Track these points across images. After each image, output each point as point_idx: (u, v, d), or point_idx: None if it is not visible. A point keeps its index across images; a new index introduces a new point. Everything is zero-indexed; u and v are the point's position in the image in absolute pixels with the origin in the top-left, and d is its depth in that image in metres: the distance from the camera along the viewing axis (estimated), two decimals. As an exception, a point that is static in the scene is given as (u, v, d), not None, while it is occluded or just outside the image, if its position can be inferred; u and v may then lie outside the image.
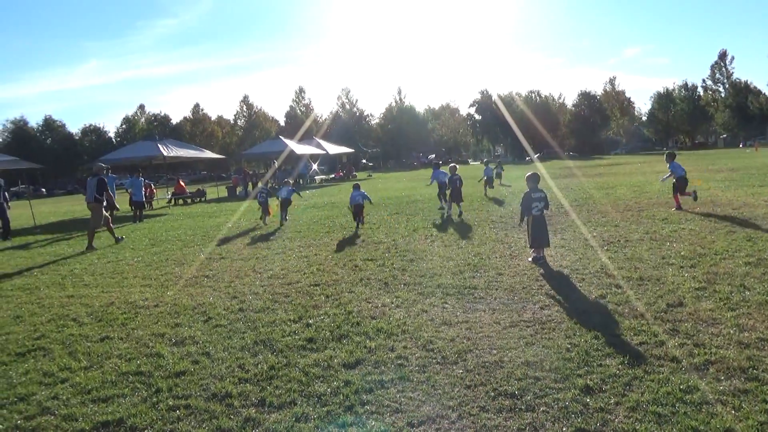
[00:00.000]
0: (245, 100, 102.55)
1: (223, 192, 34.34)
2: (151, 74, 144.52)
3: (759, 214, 10.90)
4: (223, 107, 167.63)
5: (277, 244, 11.20)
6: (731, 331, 4.76)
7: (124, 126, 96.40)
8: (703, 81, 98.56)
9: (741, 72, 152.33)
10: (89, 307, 7.16)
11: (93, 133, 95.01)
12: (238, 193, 32.69)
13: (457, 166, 15.82)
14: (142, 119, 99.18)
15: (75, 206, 32.48)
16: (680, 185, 12.51)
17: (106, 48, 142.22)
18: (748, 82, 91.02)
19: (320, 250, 10.14)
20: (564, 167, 38.74)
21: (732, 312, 5.24)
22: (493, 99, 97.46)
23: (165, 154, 26.06)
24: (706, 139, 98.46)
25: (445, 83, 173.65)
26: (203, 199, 29.93)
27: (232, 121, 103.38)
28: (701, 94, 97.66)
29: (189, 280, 8.32)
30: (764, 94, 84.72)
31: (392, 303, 6.35)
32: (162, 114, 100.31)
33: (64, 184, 73.82)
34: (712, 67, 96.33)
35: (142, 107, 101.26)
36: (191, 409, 4.03)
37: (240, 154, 55.44)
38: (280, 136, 43.49)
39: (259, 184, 21.88)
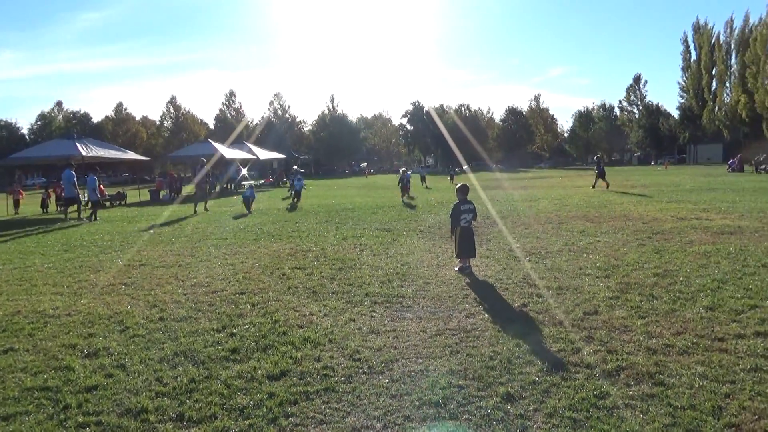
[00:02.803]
0: (172, 101, 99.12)
1: (145, 195, 32.92)
2: (72, 69, 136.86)
3: (667, 228, 11.66)
4: (148, 108, 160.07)
5: (201, 252, 10.84)
6: (641, 338, 5.04)
7: (39, 123, 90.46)
8: (620, 102, 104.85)
9: (653, 95, 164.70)
10: (-9, 316, 6.62)
11: (4, 129, 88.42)
12: (162, 197, 31.43)
13: (406, 169, 23.32)
14: (60, 116, 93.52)
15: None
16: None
17: (23, 39, 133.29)
18: (660, 105, 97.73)
19: (247, 258, 9.92)
20: (492, 179, 39.96)
21: (642, 320, 5.56)
22: (424, 110, 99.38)
23: (84, 153, 24.61)
24: (622, 156, 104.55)
25: (378, 93, 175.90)
26: (123, 202, 28.57)
27: (157, 123, 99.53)
28: (618, 114, 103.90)
29: (105, 288, 7.88)
30: (673, 116, 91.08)
31: (320, 312, 6.29)
32: (82, 112, 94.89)
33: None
34: (628, 90, 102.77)
35: (59, 104, 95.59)
36: (103, 426, 3.81)
37: (166, 156, 53.43)
38: (209, 140, 42.33)
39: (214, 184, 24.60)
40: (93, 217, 19.13)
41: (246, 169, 34.63)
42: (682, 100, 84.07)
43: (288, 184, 29.12)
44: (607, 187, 24.87)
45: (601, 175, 25.44)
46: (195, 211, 20.05)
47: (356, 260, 9.33)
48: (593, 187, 25.51)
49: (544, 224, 13.12)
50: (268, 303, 6.74)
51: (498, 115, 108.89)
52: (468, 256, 8.21)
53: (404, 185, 24.26)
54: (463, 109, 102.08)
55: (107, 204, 27.35)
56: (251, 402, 4.07)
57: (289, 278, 8.10)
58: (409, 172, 26.28)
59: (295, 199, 22.57)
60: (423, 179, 35.95)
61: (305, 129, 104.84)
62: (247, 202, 19.91)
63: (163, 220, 17.58)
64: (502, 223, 13.52)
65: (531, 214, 15.34)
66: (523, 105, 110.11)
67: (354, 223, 14.86)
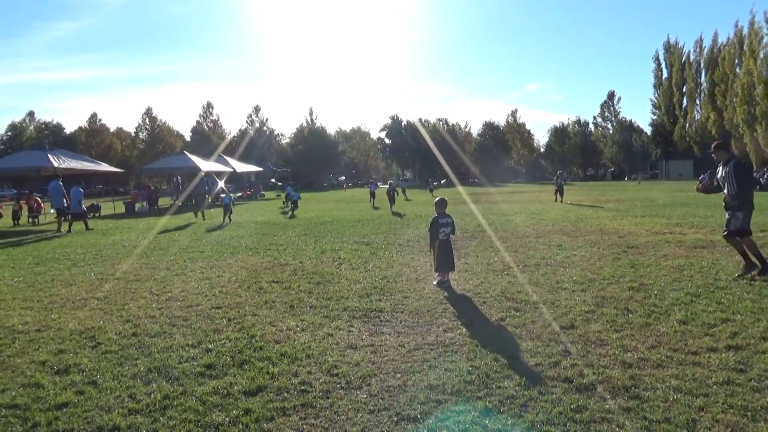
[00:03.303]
0: (148, 113, 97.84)
1: (120, 208, 32.39)
2: (45, 79, 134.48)
3: (641, 242, 11.87)
4: (123, 119, 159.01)
5: (177, 265, 10.70)
6: (617, 352, 5.10)
7: (9, 133, 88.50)
8: (594, 118, 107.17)
9: (627, 112, 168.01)
10: (-44, 332, 6.42)
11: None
12: (137, 209, 30.97)
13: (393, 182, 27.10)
14: (31, 127, 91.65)
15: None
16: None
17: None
18: (633, 121, 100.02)
19: (223, 272, 9.82)
20: (470, 194, 40.27)
21: (617, 333, 5.63)
22: (403, 124, 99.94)
23: (55, 165, 24.14)
24: (596, 171, 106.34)
25: (357, 106, 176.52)
26: (97, 214, 28.05)
27: (133, 134, 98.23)
28: (592, 129, 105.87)
29: (77, 303, 7.71)
30: (646, 132, 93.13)
31: (297, 326, 6.24)
32: (54, 122, 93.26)
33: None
34: (602, 106, 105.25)
35: (31, 114, 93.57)
36: (72, 444, 3.70)
37: (141, 168, 52.76)
38: (185, 152, 41.93)
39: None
40: (69, 228, 18.97)
41: (223, 181, 34.41)
42: (654, 117, 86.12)
43: (284, 196, 31.78)
44: (554, 201, 28.80)
45: (559, 189, 29.13)
46: (203, 218, 22.85)
47: (335, 274, 9.30)
48: (561, 201, 28.24)
49: (521, 238, 13.27)
50: (245, 318, 6.67)
51: (476, 129, 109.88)
52: (447, 269, 8.24)
53: (391, 196, 26.71)
54: (441, 123, 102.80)
55: (91, 215, 26.86)
56: (227, 419, 4.00)
57: (266, 292, 8.04)
58: (395, 184, 28.95)
59: (293, 209, 25.06)
60: (403, 191, 39.32)
61: (283, 142, 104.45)
62: (227, 209, 21.18)
63: (137, 234, 17.30)
64: (479, 238, 13.63)
65: (509, 228, 15.50)
66: (500, 120, 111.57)
67: (333, 236, 14.84)
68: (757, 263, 7.97)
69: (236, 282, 8.85)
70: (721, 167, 8.34)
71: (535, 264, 9.69)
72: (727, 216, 8.24)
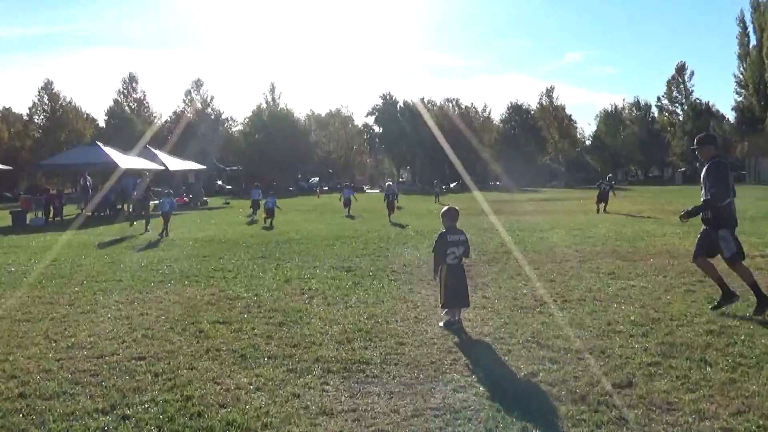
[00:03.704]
0: (47, 88, 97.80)
1: (5, 219, 32.13)
2: None
3: (722, 268, 11.92)
4: (11, 96, 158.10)
5: (84, 300, 10.61)
6: (690, 420, 5.08)
7: None
8: (659, 99, 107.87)
9: (702, 91, 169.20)
10: None
11: None
12: (30, 221, 30.77)
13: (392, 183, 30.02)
14: None
15: None
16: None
17: None
18: (710, 104, 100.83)
19: (149, 308, 9.76)
20: (490, 201, 40.41)
21: (691, 394, 5.62)
22: (398, 106, 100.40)
23: None
24: (662, 171, 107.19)
25: (335, 82, 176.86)
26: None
27: (25, 117, 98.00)
28: (656, 115, 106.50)
29: (-57, 351, 7.62)
30: (728, 119, 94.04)
31: (251, 384, 6.20)
32: None
33: None
34: (669, 83, 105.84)
35: None
36: None
37: (36, 165, 52.58)
38: (98, 142, 41.87)
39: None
40: None
41: (148, 181, 34.45)
42: (740, 98, 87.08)
43: (251, 203, 33.91)
44: (597, 212, 30.33)
45: (603, 196, 31.02)
46: (147, 229, 24.41)
47: (303, 311, 9.27)
48: (605, 211, 29.97)
49: (560, 263, 13.35)
50: (178, 372, 6.61)
51: (497, 113, 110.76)
52: (458, 305, 8.23)
53: (390, 202, 29.17)
54: (451, 105, 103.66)
55: None
56: None
57: (208, 337, 7.99)
58: (394, 185, 32.04)
59: (269, 219, 26.48)
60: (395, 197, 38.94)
61: (234, 129, 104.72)
62: (167, 216, 22.91)
63: (28, 256, 17.16)
64: (502, 261, 13.66)
65: (543, 249, 15.59)
66: (531, 101, 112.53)
67: (301, 259, 14.83)
68: (722, 290, 8.78)
69: (166, 322, 8.79)
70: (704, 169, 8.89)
71: (578, 298, 9.72)
72: (701, 232, 9.02)
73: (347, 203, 33.83)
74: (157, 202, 24.92)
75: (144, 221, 25.22)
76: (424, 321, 8.57)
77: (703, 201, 8.71)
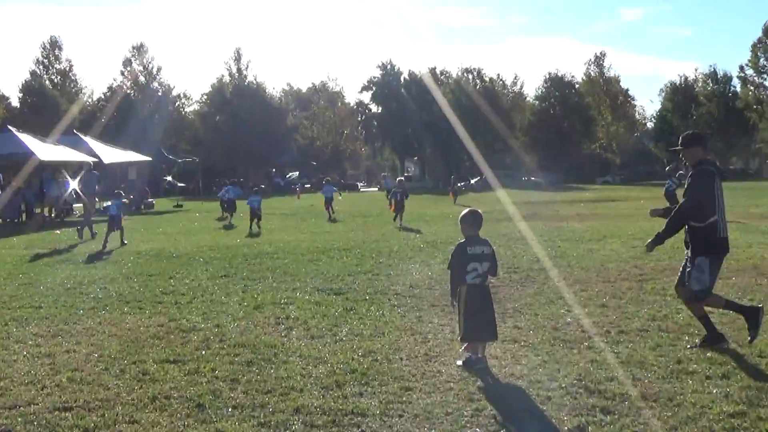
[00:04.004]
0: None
1: None
2: None
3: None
4: None
5: (-8, 331, 10.50)
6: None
7: None
8: (741, 69, 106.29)
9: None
10: None
11: None
12: None
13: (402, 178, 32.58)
14: None
15: None
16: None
17: None
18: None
19: (77, 343, 9.70)
20: (523, 202, 40.52)
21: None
22: (402, 79, 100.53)
23: None
24: (746, 163, 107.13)
25: (320, 49, 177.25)
26: None
27: None
28: (738, 89, 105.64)
29: None
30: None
31: (209, 444, 6.11)
32: None
33: None
34: (754, 48, 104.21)
35: None
36: None
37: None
38: (10, 127, 41.98)
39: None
40: None
41: (78, 180, 34.54)
42: None
43: (221, 204, 36.33)
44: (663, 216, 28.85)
45: (668, 195, 29.89)
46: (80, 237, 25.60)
47: (279, 347, 9.24)
48: None
49: (614, 282, 13.39)
50: (115, 427, 6.50)
51: (532, 88, 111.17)
52: (482, 338, 8.20)
53: (398, 201, 29.63)
54: (471, 77, 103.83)
55: None
56: None
57: (154, 380, 7.92)
58: (396, 186, 32.71)
59: (254, 220, 28.73)
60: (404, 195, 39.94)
61: (188, 109, 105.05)
62: (115, 224, 23.81)
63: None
64: (541, 281, 13.70)
65: (591, 265, 15.66)
66: (576, 72, 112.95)
67: (276, 279, 14.96)
68: (706, 329, 8.82)
69: (100, 361, 8.75)
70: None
71: (638, 329, 9.70)
72: (686, 257, 9.29)
73: (329, 203, 35.14)
74: (109, 203, 24.94)
75: (78, 228, 25.68)
76: (436, 359, 8.51)
77: (670, 217, 9.04)
